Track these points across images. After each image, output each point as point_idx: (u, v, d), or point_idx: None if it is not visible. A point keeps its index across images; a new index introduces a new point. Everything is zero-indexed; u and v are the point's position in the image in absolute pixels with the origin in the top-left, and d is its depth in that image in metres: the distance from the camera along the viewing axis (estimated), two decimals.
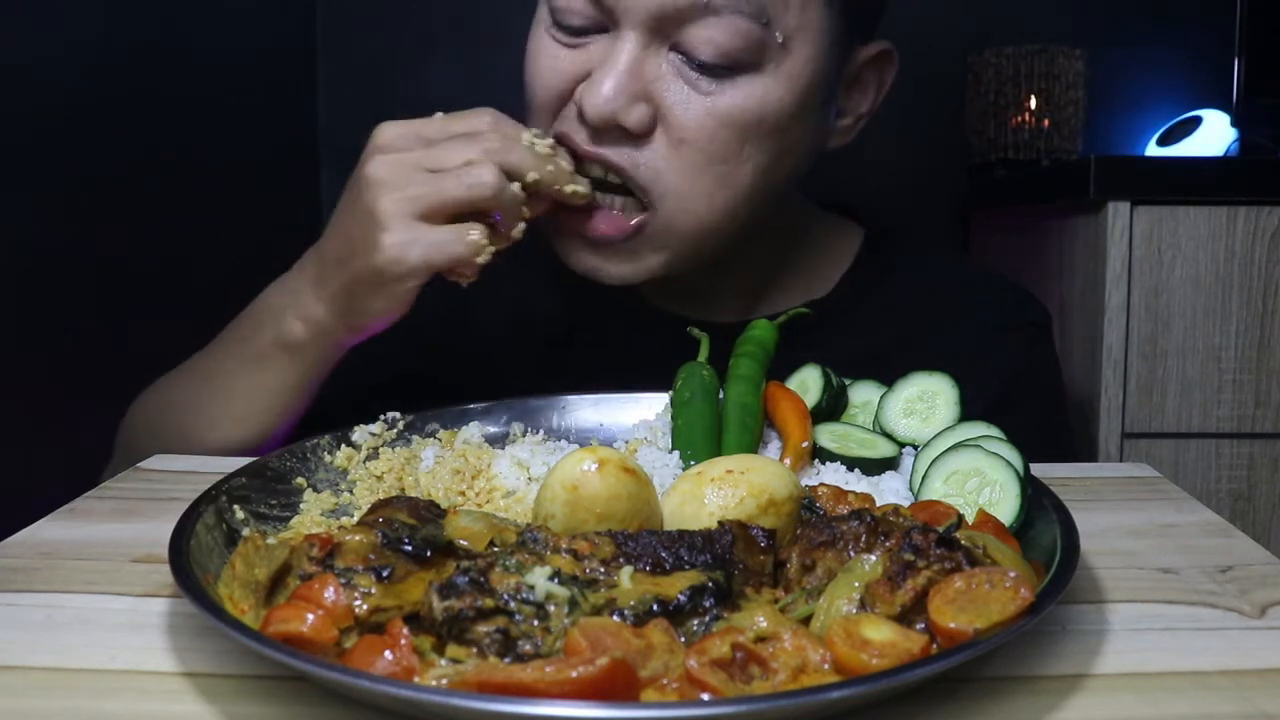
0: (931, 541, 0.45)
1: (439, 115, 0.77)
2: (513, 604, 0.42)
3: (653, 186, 0.78)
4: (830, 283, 0.94)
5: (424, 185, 0.72)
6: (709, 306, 0.91)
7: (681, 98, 0.77)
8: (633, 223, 0.79)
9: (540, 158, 0.75)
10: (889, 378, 0.72)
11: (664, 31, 0.76)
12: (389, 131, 0.75)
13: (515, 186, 0.74)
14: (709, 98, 0.76)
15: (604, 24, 0.78)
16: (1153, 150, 1.61)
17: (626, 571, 0.45)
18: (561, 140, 0.79)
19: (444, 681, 0.39)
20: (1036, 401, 0.93)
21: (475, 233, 0.72)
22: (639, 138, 0.77)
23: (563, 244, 0.83)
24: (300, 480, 0.65)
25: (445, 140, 0.74)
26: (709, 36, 0.75)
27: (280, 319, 0.78)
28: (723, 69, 0.76)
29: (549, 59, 0.80)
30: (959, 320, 0.93)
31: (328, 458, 0.68)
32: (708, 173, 0.78)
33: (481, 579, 0.43)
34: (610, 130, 0.77)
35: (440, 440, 0.71)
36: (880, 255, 0.96)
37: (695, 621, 0.43)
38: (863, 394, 0.74)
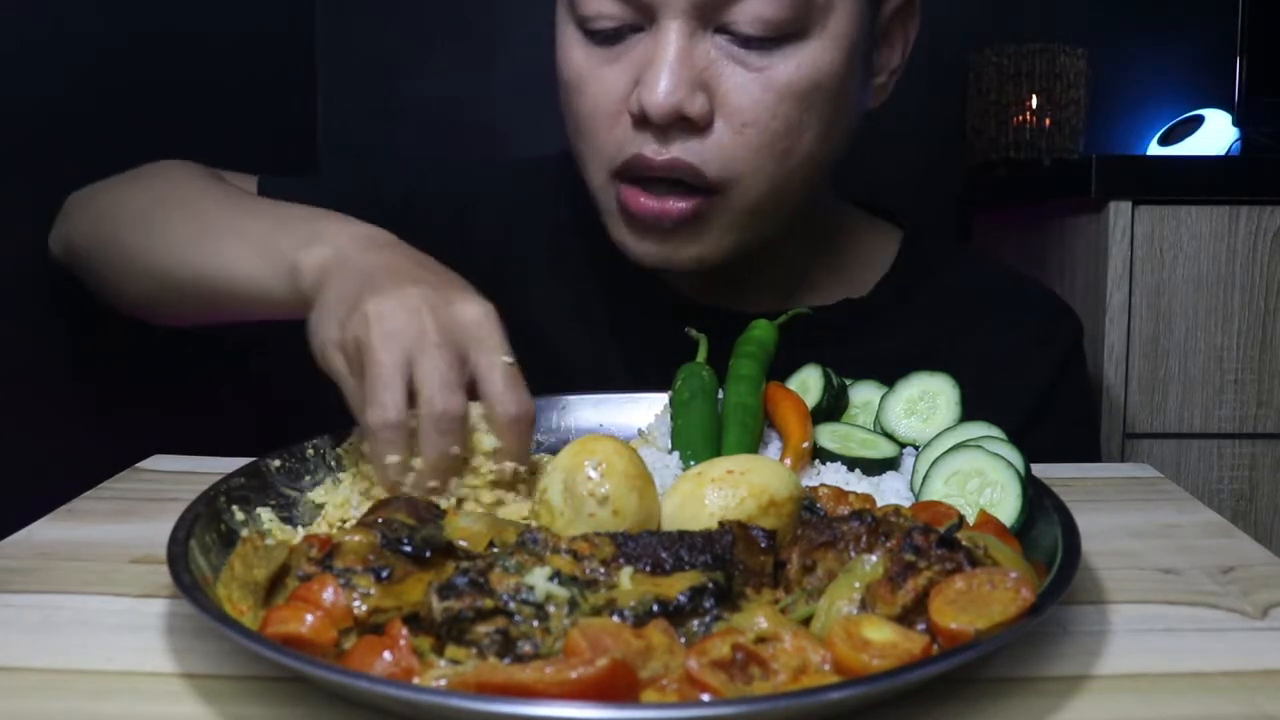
0: (932, 542, 0.45)
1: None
2: (512, 604, 0.42)
3: (722, 177, 0.77)
4: (869, 284, 0.94)
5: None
6: (746, 298, 0.91)
7: (737, 80, 0.76)
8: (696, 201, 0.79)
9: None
10: None
11: (706, 16, 0.75)
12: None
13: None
14: (763, 73, 0.76)
15: (638, 22, 0.76)
16: (1154, 149, 1.60)
17: (626, 572, 0.45)
18: (634, 166, 0.78)
19: (443, 682, 0.39)
20: (1069, 417, 0.94)
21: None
22: (702, 128, 0.76)
23: (629, 238, 0.82)
24: (299, 480, 0.64)
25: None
26: (754, 12, 0.74)
27: (299, 243, 0.71)
28: (770, 41, 0.75)
29: (595, 79, 0.78)
30: (996, 330, 0.93)
31: (326, 458, 0.68)
32: (772, 150, 0.77)
33: (481, 579, 0.43)
34: (674, 125, 0.76)
35: None
36: (919, 260, 0.96)
37: (695, 622, 0.43)
38: (863, 394, 0.74)
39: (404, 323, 0.59)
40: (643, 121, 0.76)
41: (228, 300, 0.78)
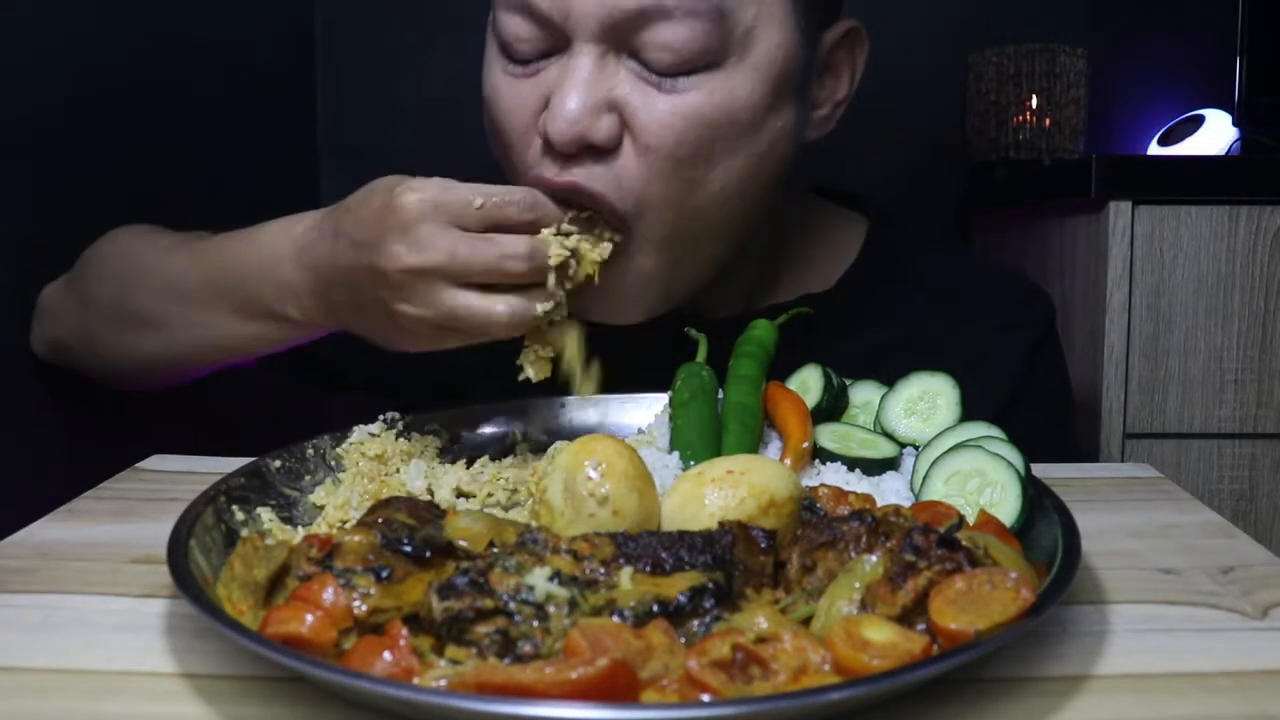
0: (932, 542, 0.45)
1: (483, 204, 0.68)
2: (512, 605, 0.42)
3: (621, 201, 0.74)
4: (832, 278, 0.92)
5: (450, 301, 0.67)
6: (706, 302, 0.88)
7: (645, 100, 0.73)
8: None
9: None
10: (891, 377, 0.71)
11: (618, 40, 0.72)
12: (420, 205, 0.67)
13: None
14: (673, 97, 0.73)
15: (556, 46, 0.74)
16: (1154, 149, 1.60)
17: (626, 572, 0.45)
18: (537, 185, 0.75)
19: (443, 682, 0.39)
20: (1042, 406, 0.92)
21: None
22: (608, 152, 0.73)
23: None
24: (299, 480, 0.64)
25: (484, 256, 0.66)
26: (664, 40, 0.71)
27: (277, 299, 0.75)
28: (683, 71, 0.72)
29: (509, 96, 0.77)
30: (962, 320, 0.91)
31: (326, 458, 0.68)
32: (674, 178, 0.74)
33: (481, 580, 0.43)
34: (580, 152, 0.73)
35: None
36: (883, 250, 0.94)
37: (695, 622, 0.43)
38: (863, 394, 0.74)
39: (419, 250, 0.65)
40: (549, 145, 0.74)
41: (220, 358, 0.83)
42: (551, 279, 0.68)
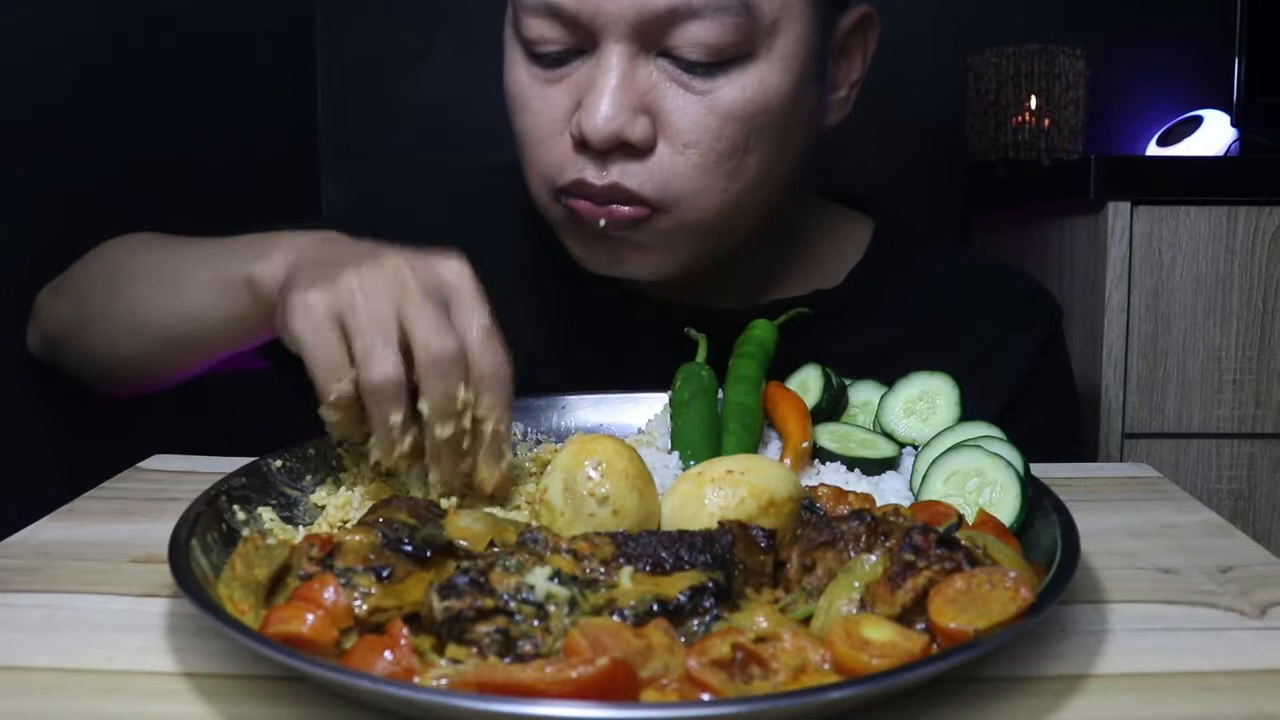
0: (932, 542, 0.45)
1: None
2: (513, 604, 0.42)
3: (662, 196, 0.76)
4: (838, 276, 0.93)
5: (384, 315, 0.59)
6: (710, 295, 0.89)
7: (680, 103, 0.74)
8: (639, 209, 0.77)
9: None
10: (896, 375, 0.72)
11: (648, 40, 0.73)
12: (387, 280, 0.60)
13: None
14: (706, 96, 0.74)
15: (581, 46, 0.75)
16: (1153, 150, 1.60)
17: (626, 572, 0.45)
18: (575, 189, 0.76)
19: (444, 682, 0.39)
20: (1051, 405, 0.93)
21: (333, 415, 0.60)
22: (643, 152, 0.75)
23: (582, 248, 0.81)
24: (300, 480, 0.64)
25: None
26: (696, 37, 0.72)
27: (252, 254, 0.72)
28: (715, 65, 0.74)
29: (537, 99, 0.77)
30: (968, 319, 0.92)
31: (327, 458, 0.68)
32: (716, 170, 0.76)
33: (481, 579, 0.43)
34: (615, 150, 0.74)
35: None
36: (890, 249, 0.94)
37: (695, 622, 0.43)
38: (863, 394, 0.74)
39: (385, 282, 0.59)
40: (583, 145, 0.74)
41: (198, 341, 0.78)
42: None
